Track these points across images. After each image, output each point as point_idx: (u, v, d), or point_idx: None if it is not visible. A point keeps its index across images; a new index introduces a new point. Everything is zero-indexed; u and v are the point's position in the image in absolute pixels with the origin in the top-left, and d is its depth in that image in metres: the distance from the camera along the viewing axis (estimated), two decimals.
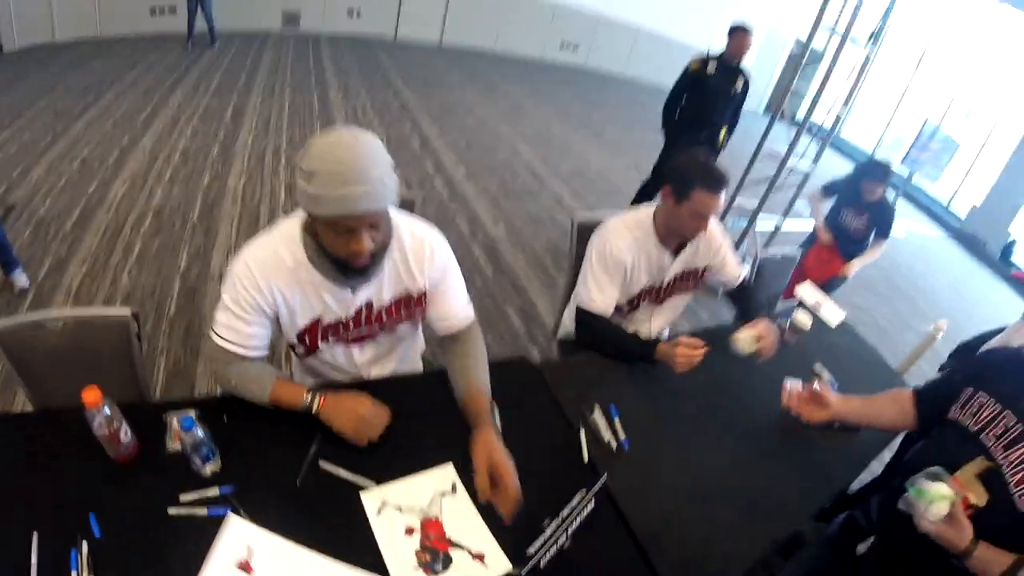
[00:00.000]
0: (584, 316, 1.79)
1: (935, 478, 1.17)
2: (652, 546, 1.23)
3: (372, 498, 1.14)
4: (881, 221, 3.29)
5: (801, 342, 2.12)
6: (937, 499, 1.12)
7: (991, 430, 1.24)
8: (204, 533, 1.00)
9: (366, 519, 1.10)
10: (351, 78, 7.06)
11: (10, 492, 1.03)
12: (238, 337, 1.21)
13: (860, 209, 3.28)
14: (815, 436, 1.65)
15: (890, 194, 3.41)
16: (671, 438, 1.54)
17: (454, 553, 1.10)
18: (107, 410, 1.03)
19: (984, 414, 1.27)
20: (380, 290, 1.29)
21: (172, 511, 1.04)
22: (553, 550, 1.10)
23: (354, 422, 1.20)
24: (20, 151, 4.04)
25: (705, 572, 1.23)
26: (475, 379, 1.35)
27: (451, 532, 1.13)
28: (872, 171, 3.20)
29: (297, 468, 1.16)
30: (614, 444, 1.45)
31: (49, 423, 1.18)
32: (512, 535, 1.13)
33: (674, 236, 1.77)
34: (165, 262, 3.20)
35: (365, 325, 1.34)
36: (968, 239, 7.92)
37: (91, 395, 1.01)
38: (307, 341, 1.32)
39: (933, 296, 5.75)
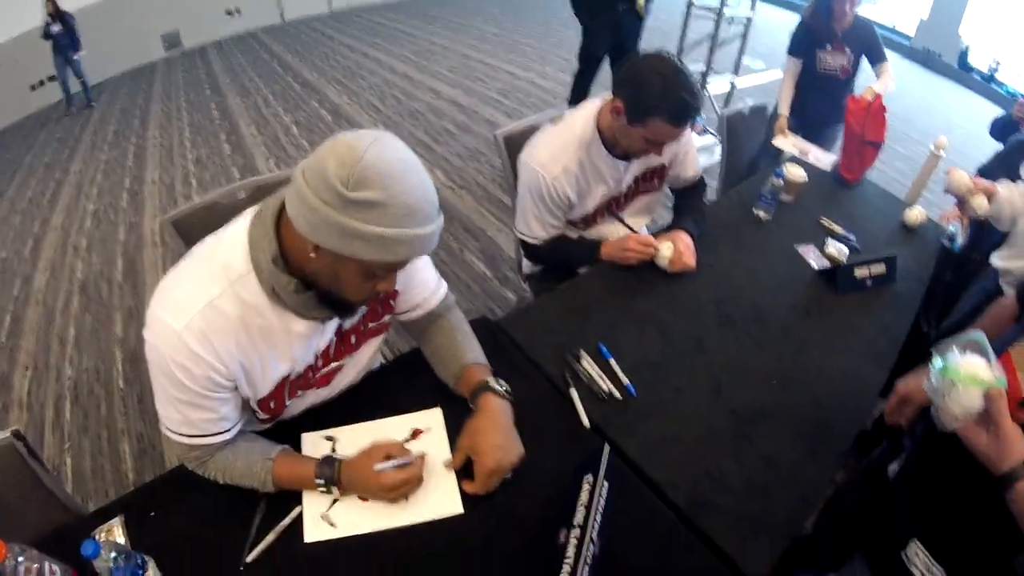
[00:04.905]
0: (528, 247, 1.64)
1: (973, 348, 0.75)
2: (701, 511, 0.95)
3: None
4: (868, 45, 2.48)
5: (798, 200, 1.83)
6: (967, 381, 0.69)
7: None
8: None
9: None
10: (245, 76, 6.49)
11: None
12: (202, 428, 0.88)
13: (834, 41, 2.48)
14: (841, 327, 1.37)
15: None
16: (687, 367, 1.23)
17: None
18: (21, 558, 0.78)
19: None
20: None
21: None
22: (586, 570, 0.81)
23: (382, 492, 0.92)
24: None
25: (773, 525, 0.95)
26: (467, 351, 1.09)
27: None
28: None
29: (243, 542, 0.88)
30: (618, 393, 1.15)
31: None
32: (528, 563, 0.86)
33: (624, 149, 1.45)
34: (102, 337, 2.95)
35: (335, 358, 1.02)
36: (922, 55, 7.42)
37: None
38: (272, 406, 0.97)
39: (907, 119, 5.23)
